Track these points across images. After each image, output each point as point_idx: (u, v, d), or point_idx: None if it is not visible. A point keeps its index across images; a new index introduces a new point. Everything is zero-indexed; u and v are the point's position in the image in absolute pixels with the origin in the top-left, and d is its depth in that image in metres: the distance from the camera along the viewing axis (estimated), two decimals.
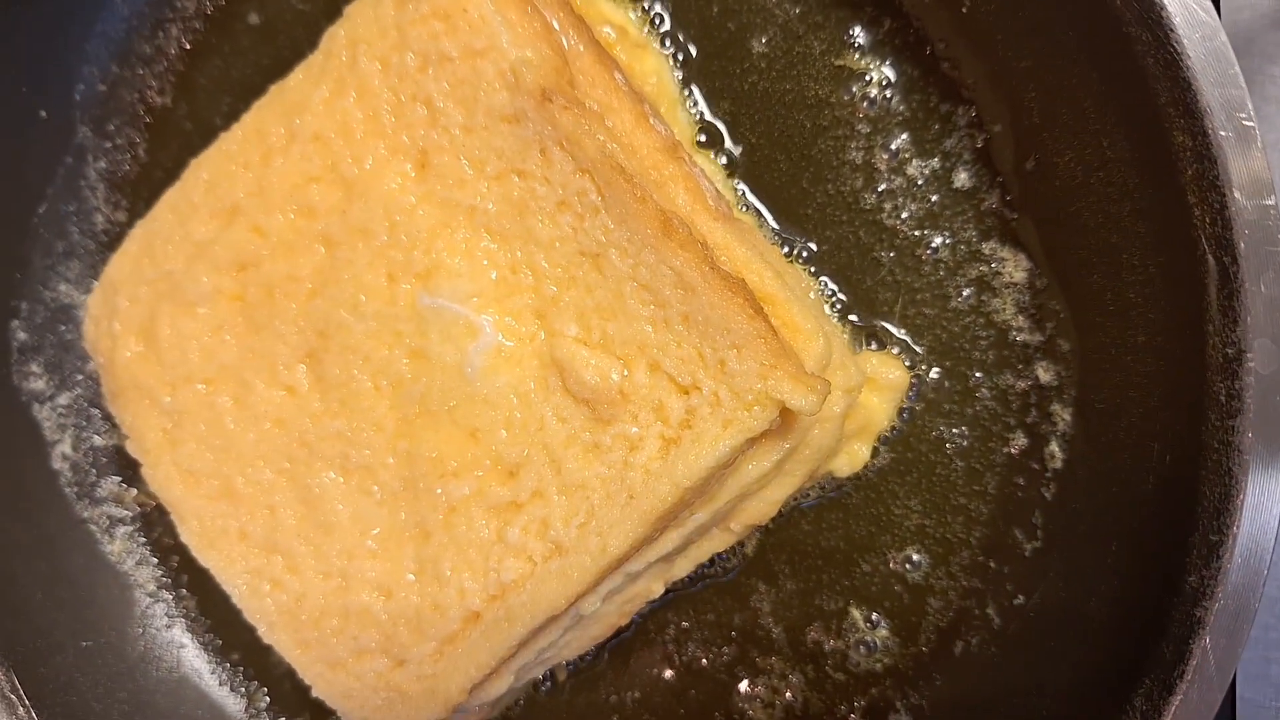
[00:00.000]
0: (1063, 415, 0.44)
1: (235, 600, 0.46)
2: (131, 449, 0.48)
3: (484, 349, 0.42)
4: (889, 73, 0.47)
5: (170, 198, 0.46)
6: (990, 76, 0.45)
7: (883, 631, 0.47)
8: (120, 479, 0.53)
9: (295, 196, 0.44)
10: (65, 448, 0.53)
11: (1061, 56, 0.42)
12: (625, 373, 0.40)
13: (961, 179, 0.46)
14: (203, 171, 0.45)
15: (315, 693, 0.46)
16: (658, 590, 0.46)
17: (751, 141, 0.48)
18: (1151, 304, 0.41)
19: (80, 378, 0.53)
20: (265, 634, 0.46)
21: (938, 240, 0.47)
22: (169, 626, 0.53)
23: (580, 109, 0.40)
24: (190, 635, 0.53)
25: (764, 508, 0.45)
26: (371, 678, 0.45)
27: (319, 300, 0.44)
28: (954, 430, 0.46)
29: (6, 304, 0.52)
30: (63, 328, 0.53)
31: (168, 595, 0.53)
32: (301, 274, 0.44)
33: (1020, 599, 0.44)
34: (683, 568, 0.48)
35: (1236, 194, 0.37)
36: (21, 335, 0.52)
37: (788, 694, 0.47)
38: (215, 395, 0.46)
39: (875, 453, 0.48)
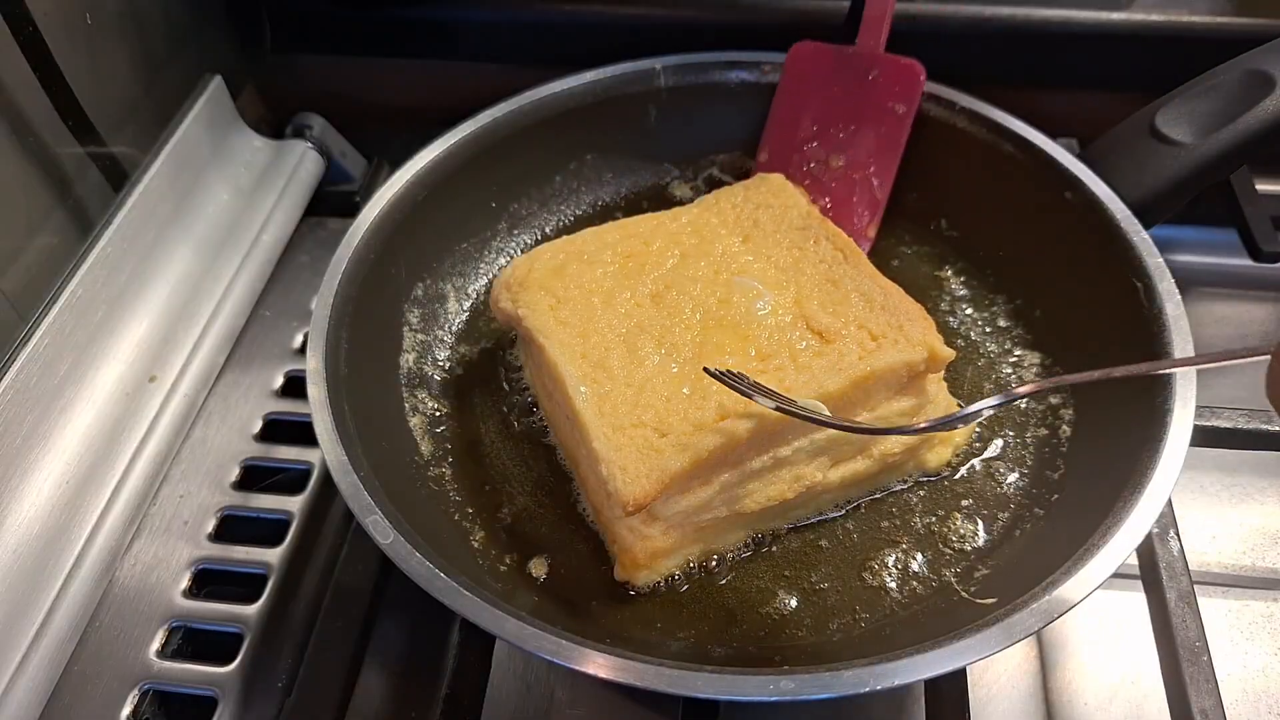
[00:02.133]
0: (1067, 415, 0.72)
1: (567, 380, 0.64)
2: (521, 311, 0.70)
3: (766, 303, 0.69)
4: (962, 285, 0.84)
5: (588, 231, 0.76)
6: (1029, 295, 0.80)
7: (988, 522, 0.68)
8: (428, 393, 0.78)
9: (671, 237, 0.75)
10: (409, 359, 0.79)
11: (1074, 276, 0.76)
12: (844, 324, 0.67)
13: (1001, 321, 0.80)
14: (619, 222, 0.78)
15: (594, 445, 0.60)
16: (819, 476, 0.65)
17: None
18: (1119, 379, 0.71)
19: (438, 332, 0.82)
20: (578, 403, 0.63)
21: (990, 347, 0.79)
22: (435, 482, 0.72)
23: (837, 229, 0.75)
24: (451, 491, 0.71)
25: (892, 444, 0.68)
26: (640, 440, 0.61)
27: (672, 273, 0.72)
28: (1006, 432, 0.73)
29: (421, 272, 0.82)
30: (436, 304, 0.82)
31: (435, 469, 0.73)
32: (665, 263, 0.73)
33: (1055, 496, 0.67)
34: (835, 475, 0.67)
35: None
36: (418, 292, 0.81)
37: (912, 564, 0.66)
38: (591, 296, 0.70)
39: (950, 462, 0.71)
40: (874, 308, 0.68)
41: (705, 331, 0.68)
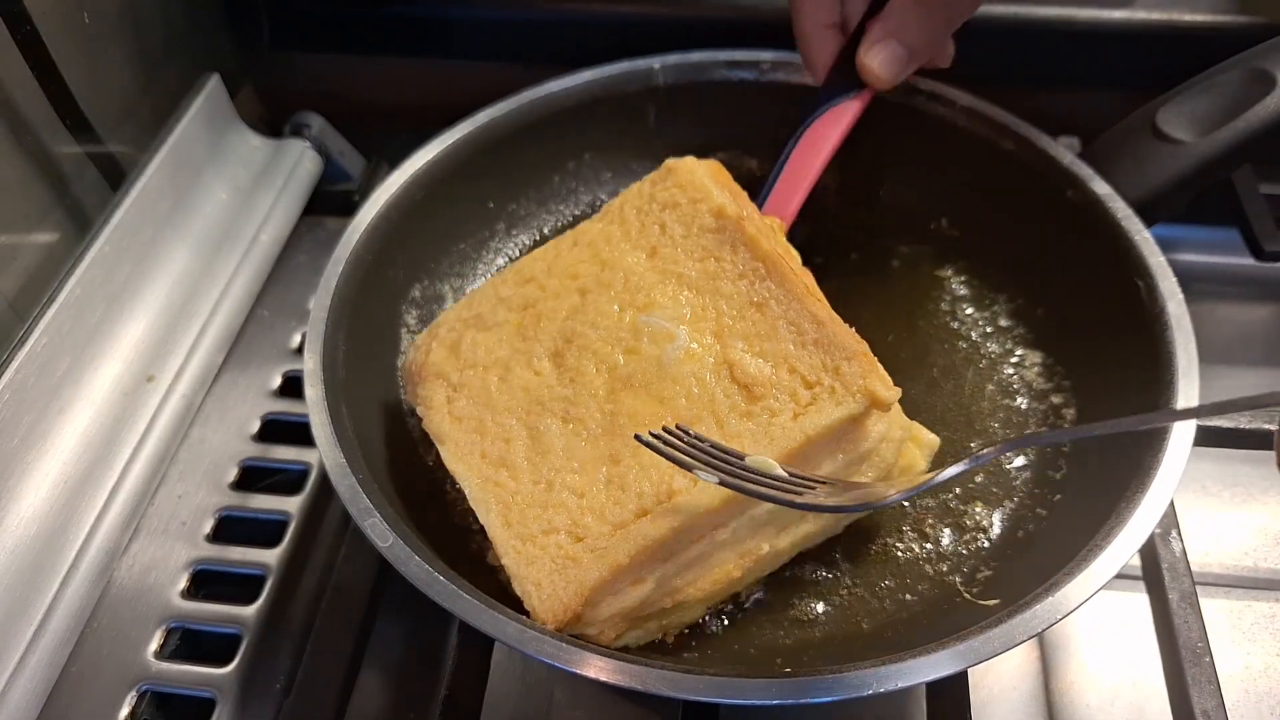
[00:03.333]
0: (1069, 414, 0.72)
1: (468, 493, 0.60)
2: (420, 410, 0.66)
3: (677, 348, 0.60)
4: (963, 285, 0.83)
5: (490, 280, 0.71)
6: (1030, 294, 0.79)
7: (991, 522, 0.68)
8: None
9: (569, 270, 0.67)
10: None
11: (1076, 275, 0.75)
12: (773, 369, 0.58)
13: (1002, 321, 0.79)
14: (516, 265, 0.71)
15: (504, 561, 0.56)
16: (766, 548, 0.61)
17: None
18: (1121, 378, 0.71)
19: None
20: (482, 516, 0.59)
21: (991, 347, 0.78)
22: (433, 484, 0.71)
23: (757, 228, 0.64)
24: (449, 492, 0.70)
25: None
26: (553, 549, 0.56)
27: (570, 322, 0.64)
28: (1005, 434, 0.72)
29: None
30: (433, 305, 0.82)
31: (433, 471, 0.71)
32: (562, 308, 0.65)
33: (1058, 496, 0.66)
34: (784, 541, 0.62)
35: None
36: (415, 294, 0.81)
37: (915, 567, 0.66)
38: (487, 375, 0.64)
39: None
40: (805, 343, 0.59)
41: (614, 396, 0.60)
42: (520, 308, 0.67)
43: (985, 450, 0.56)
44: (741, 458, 0.54)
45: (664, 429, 0.54)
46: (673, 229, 0.66)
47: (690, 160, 0.70)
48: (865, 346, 0.59)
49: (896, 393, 0.58)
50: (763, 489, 0.52)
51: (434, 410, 0.65)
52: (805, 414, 0.57)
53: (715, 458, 0.53)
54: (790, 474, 0.55)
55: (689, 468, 0.52)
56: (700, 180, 0.68)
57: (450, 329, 0.68)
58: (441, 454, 0.63)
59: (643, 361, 0.61)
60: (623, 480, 0.57)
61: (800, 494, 0.53)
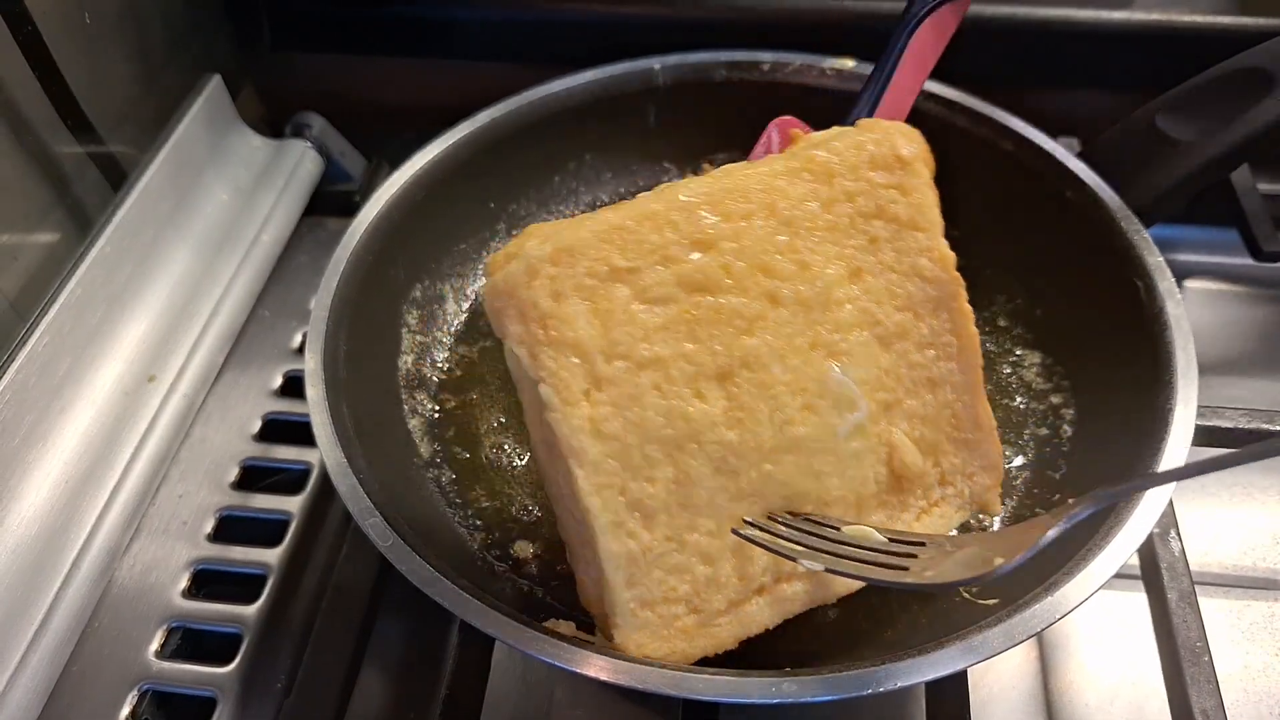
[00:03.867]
0: (1068, 414, 0.72)
1: (598, 534, 0.51)
2: (545, 392, 0.50)
3: (855, 420, 0.55)
4: None
5: (637, 210, 0.52)
6: (1028, 294, 0.80)
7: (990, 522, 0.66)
8: (426, 395, 0.78)
9: (763, 261, 0.53)
10: (408, 360, 0.78)
11: (1074, 275, 0.75)
12: (924, 460, 0.56)
13: (1000, 321, 0.79)
14: (683, 202, 0.53)
15: (615, 618, 0.52)
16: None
17: None
18: (1120, 378, 0.71)
19: (436, 333, 0.81)
20: (608, 570, 0.51)
21: (989, 347, 0.78)
22: (434, 484, 0.71)
23: (968, 306, 0.58)
24: (450, 492, 0.71)
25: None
26: (669, 618, 0.53)
27: (753, 339, 0.53)
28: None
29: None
30: (434, 305, 0.82)
31: (434, 470, 0.72)
32: (746, 314, 0.53)
33: (1057, 496, 0.66)
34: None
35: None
36: (416, 294, 0.81)
37: None
38: (641, 381, 0.51)
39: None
40: (959, 440, 0.58)
41: (777, 456, 0.53)
42: (694, 287, 0.52)
43: (1079, 508, 0.49)
44: (837, 528, 0.53)
45: (768, 516, 0.53)
46: (884, 253, 0.56)
47: (921, 165, 0.57)
48: (1002, 459, 0.60)
49: (997, 511, 0.62)
50: (869, 571, 0.51)
51: (570, 407, 0.50)
52: (929, 514, 0.58)
53: (816, 537, 0.52)
54: (890, 538, 0.53)
55: (794, 558, 0.51)
56: (930, 203, 0.57)
57: (590, 270, 0.50)
58: (575, 475, 0.50)
59: (818, 427, 0.53)
60: (752, 551, 0.53)
61: (907, 568, 0.50)
